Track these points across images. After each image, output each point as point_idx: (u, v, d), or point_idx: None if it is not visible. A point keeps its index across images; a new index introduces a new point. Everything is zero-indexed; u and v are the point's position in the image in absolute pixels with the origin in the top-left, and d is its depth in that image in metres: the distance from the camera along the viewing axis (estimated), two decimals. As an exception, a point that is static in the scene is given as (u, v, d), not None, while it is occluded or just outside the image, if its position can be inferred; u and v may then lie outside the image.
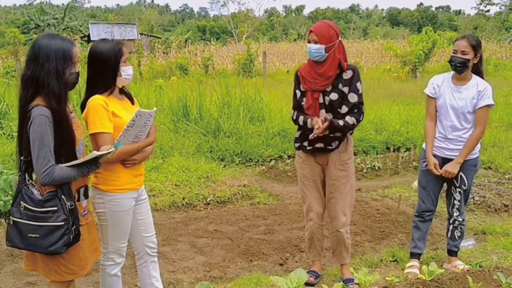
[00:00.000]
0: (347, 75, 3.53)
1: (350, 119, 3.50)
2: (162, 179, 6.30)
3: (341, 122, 3.47)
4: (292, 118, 3.75)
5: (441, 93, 3.89)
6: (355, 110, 3.54)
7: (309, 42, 3.52)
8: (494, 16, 50.96)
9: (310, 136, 3.50)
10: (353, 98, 3.53)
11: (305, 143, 3.68)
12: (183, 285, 3.91)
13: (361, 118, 3.58)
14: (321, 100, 3.55)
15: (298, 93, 3.69)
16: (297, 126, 3.77)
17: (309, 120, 3.55)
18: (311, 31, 3.51)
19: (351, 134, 3.72)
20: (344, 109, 3.53)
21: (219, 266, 4.29)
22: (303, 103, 3.64)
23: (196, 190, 6.11)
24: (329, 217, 3.81)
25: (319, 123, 3.42)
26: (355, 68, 3.59)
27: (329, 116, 3.50)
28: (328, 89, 3.53)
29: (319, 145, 3.60)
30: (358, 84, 3.54)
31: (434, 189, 4.03)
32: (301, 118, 3.63)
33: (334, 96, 3.52)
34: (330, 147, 3.60)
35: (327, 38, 3.45)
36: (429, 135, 3.95)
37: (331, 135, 3.52)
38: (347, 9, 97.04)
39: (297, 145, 3.78)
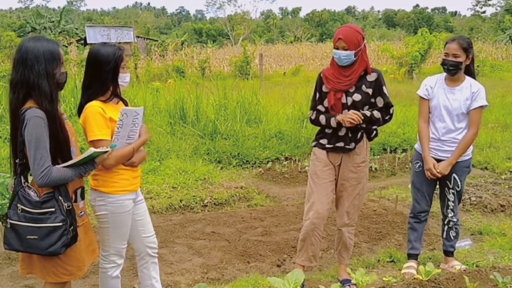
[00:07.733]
0: (371, 77, 3.57)
1: (376, 113, 3.56)
2: (159, 181, 6.30)
3: (367, 113, 3.51)
4: (310, 118, 3.77)
5: (434, 95, 3.90)
6: (383, 110, 3.61)
7: (337, 48, 3.51)
8: (490, 17, 51.06)
9: (332, 124, 3.54)
10: (380, 102, 3.59)
11: (323, 141, 3.69)
12: (180, 287, 3.91)
13: (387, 118, 3.64)
14: (343, 100, 3.56)
15: (318, 94, 3.70)
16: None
17: (332, 119, 3.56)
18: (339, 38, 3.49)
19: (373, 137, 3.74)
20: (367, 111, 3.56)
21: (217, 267, 4.29)
22: (320, 105, 3.66)
23: (193, 192, 6.11)
24: (336, 214, 3.86)
25: (353, 115, 3.45)
26: (380, 72, 3.63)
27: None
28: (351, 90, 3.55)
29: (339, 144, 3.62)
30: (384, 88, 3.59)
31: (428, 189, 4.04)
32: (322, 117, 3.64)
33: (357, 97, 3.54)
34: (348, 147, 3.61)
35: (356, 43, 3.47)
36: (424, 136, 3.95)
37: (359, 125, 3.52)
38: (343, 11, 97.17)
39: (314, 142, 3.80)
